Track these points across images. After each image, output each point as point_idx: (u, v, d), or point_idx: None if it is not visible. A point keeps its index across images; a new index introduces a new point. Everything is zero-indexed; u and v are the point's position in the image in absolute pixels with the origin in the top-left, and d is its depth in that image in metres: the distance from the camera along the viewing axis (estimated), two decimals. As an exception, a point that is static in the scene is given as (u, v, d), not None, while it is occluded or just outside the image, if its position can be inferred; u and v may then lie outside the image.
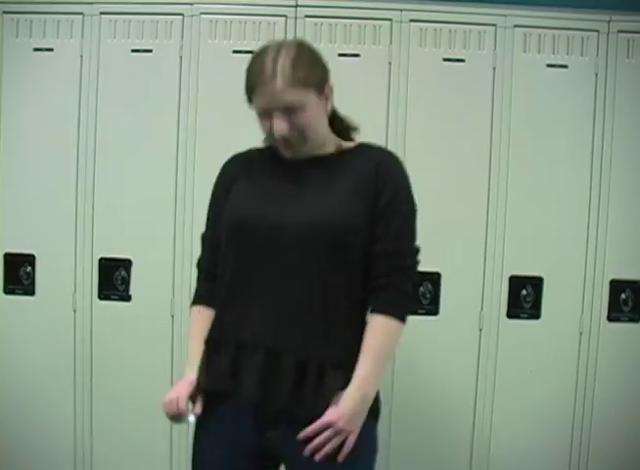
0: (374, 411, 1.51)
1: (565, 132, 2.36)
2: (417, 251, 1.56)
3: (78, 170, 2.38)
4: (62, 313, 2.40)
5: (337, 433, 1.42)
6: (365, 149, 1.60)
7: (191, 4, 2.36)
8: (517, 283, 2.36)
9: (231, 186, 1.61)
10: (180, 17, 2.36)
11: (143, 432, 2.41)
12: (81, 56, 2.36)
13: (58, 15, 2.36)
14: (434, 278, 2.35)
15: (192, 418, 1.52)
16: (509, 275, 2.36)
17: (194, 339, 1.60)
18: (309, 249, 1.46)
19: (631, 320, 2.39)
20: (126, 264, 2.40)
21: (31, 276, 2.41)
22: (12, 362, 2.42)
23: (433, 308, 2.36)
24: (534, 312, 2.38)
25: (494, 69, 2.34)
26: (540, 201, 2.36)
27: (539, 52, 2.35)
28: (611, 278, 2.37)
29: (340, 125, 1.64)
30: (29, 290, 2.41)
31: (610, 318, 2.38)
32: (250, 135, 2.31)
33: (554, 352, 2.38)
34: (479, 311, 2.37)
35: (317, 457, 1.42)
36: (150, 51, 2.37)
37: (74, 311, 2.41)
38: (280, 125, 1.48)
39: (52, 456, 2.44)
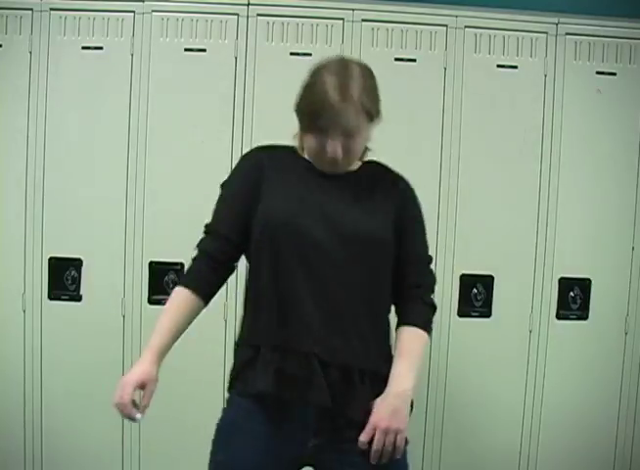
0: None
1: (514, 132, 2.39)
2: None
3: (27, 170, 2.35)
4: (12, 313, 2.38)
5: (384, 434, 1.43)
6: (377, 167, 1.64)
7: (142, 1, 2.34)
8: (467, 281, 2.38)
9: (260, 184, 1.54)
10: (131, 14, 2.34)
11: (94, 431, 2.39)
12: (30, 52, 2.33)
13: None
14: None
15: (138, 416, 1.44)
16: (460, 274, 2.39)
17: (165, 321, 1.50)
18: (354, 263, 1.47)
19: (580, 318, 2.43)
20: (77, 264, 2.38)
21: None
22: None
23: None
24: (485, 311, 2.40)
25: (445, 68, 2.36)
26: (490, 199, 2.39)
27: (490, 53, 2.38)
28: (559, 276, 2.41)
29: None
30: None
31: (558, 316, 2.41)
32: (200, 134, 2.34)
33: (504, 349, 2.41)
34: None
35: (383, 460, 1.44)
36: (100, 48, 2.34)
37: (24, 311, 2.38)
38: (336, 148, 1.48)
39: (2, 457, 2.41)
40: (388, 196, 1.57)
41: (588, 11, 2.42)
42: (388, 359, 1.51)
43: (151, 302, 2.38)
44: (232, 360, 1.55)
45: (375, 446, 1.43)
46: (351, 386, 1.46)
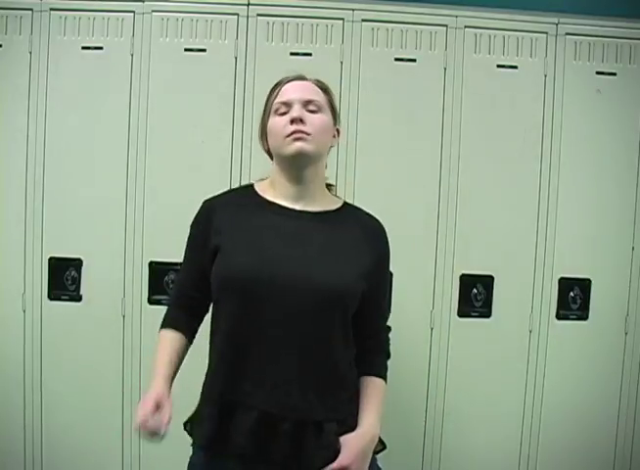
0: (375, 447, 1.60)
1: (514, 132, 2.38)
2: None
3: (27, 169, 2.35)
4: (12, 313, 2.37)
5: None
6: (354, 211, 1.66)
7: (142, 1, 2.34)
8: (467, 281, 2.38)
9: (216, 235, 1.56)
10: (131, 14, 2.34)
11: (94, 431, 2.39)
12: (30, 52, 2.33)
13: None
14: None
15: (162, 430, 1.47)
16: (459, 274, 2.38)
17: (162, 356, 1.60)
18: (315, 311, 1.49)
19: (580, 318, 2.42)
20: (77, 264, 2.37)
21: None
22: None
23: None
24: (485, 311, 2.40)
25: (445, 68, 2.36)
26: (490, 199, 2.39)
27: (489, 53, 2.37)
28: (559, 276, 2.41)
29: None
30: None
31: (558, 316, 2.41)
32: (200, 134, 2.34)
33: (504, 349, 2.41)
34: (430, 310, 2.39)
35: None
36: (100, 48, 2.34)
37: (24, 311, 2.37)
38: (298, 111, 1.55)
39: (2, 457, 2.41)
40: (363, 244, 1.58)
41: (588, 11, 2.42)
42: (347, 404, 1.55)
43: (151, 302, 2.38)
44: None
45: None
46: (308, 438, 1.49)
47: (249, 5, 2.34)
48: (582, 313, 2.42)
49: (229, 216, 1.58)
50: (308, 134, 1.53)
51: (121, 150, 2.35)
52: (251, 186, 1.66)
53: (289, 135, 1.53)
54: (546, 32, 2.37)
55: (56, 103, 2.34)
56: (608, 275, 2.43)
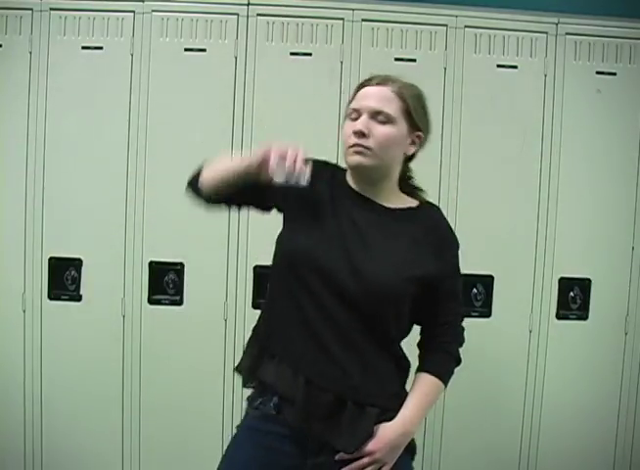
0: (411, 447, 1.56)
1: (514, 132, 2.38)
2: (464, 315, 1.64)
3: (27, 169, 2.35)
4: (12, 313, 2.38)
5: (374, 462, 1.47)
6: (428, 209, 1.61)
7: (142, 1, 2.34)
8: (467, 282, 2.37)
9: (315, 203, 1.54)
10: (131, 14, 2.34)
11: (94, 431, 2.39)
12: (30, 52, 2.33)
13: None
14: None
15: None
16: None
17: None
18: (364, 304, 1.47)
19: (580, 318, 2.42)
20: (77, 264, 2.37)
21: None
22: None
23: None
24: (485, 311, 2.40)
25: (445, 68, 2.36)
26: (490, 199, 2.39)
27: (489, 53, 2.38)
28: (559, 276, 2.41)
29: (406, 184, 1.63)
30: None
31: (558, 316, 2.41)
32: (201, 134, 2.34)
33: (504, 349, 2.41)
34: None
35: None
36: (100, 48, 2.35)
37: (24, 311, 2.38)
38: (362, 123, 1.49)
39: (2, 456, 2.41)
40: (429, 246, 1.53)
41: (588, 11, 2.42)
42: (391, 398, 1.52)
43: (151, 302, 2.38)
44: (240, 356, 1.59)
45: (356, 465, 1.46)
46: (345, 417, 1.47)
47: (249, 5, 2.34)
48: (582, 313, 2.43)
49: (329, 193, 1.56)
50: (369, 149, 1.50)
51: (121, 150, 2.35)
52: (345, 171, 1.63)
53: (351, 146, 1.51)
54: (546, 32, 2.37)
55: (56, 103, 2.34)
56: (608, 275, 2.43)
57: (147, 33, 2.34)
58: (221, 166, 1.55)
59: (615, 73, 2.39)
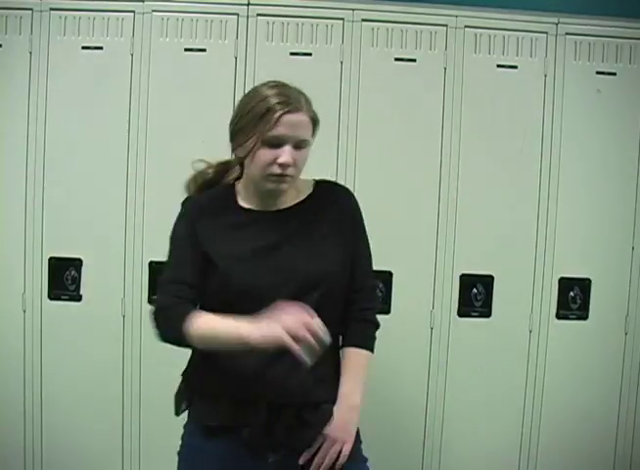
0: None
1: (514, 132, 2.38)
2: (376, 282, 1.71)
3: (27, 169, 2.35)
4: (12, 313, 2.37)
5: (332, 443, 1.53)
6: (325, 190, 1.65)
7: (142, 1, 2.34)
8: (467, 281, 2.38)
9: (203, 241, 1.58)
10: (131, 14, 2.34)
11: (94, 431, 2.39)
12: (30, 52, 2.33)
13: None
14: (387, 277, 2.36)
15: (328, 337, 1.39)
16: (459, 274, 2.38)
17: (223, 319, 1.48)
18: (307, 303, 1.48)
19: (580, 318, 2.42)
20: (77, 264, 2.37)
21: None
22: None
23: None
24: (485, 311, 2.40)
25: (445, 68, 2.36)
26: (490, 199, 2.39)
27: (489, 53, 2.37)
28: (559, 276, 2.41)
29: None
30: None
31: (558, 316, 2.41)
32: (201, 134, 2.34)
33: (504, 349, 2.41)
34: (430, 310, 2.39)
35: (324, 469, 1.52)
36: (100, 48, 2.34)
37: (24, 311, 2.37)
38: (288, 156, 1.50)
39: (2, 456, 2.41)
40: (337, 224, 1.59)
41: (588, 11, 2.42)
42: (335, 384, 1.58)
43: (151, 302, 2.37)
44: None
45: (320, 453, 1.52)
46: (306, 419, 1.52)
47: (249, 5, 2.34)
48: (582, 313, 2.42)
49: (210, 227, 1.59)
50: (291, 176, 1.53)
51: (121, 150, 2.35)
52: (232, 188, 1.65)
53: (272, 175, 1.52)
54: (546, 32, 2.37)
55: (56, 103, 2.34)
56: (608, 275, 2.43)
57: (147, 33, 2.34)
58: (221, 338, 1.46)
59: (615, 73, 2.39)
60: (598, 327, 2.43)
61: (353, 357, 1.61)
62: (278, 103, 1.50)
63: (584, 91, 2.39)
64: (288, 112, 1.49)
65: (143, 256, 2.36)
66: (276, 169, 1.51)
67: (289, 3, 2.35)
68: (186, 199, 1.69)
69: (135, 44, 2.33)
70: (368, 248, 1.66)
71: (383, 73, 2.36)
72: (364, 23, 2.35)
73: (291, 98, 1.52)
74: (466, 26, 2.36)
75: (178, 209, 2.33)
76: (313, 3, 2.35)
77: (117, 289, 2.37)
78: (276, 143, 1.50)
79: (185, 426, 1.65)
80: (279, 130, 1.49)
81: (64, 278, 2.37)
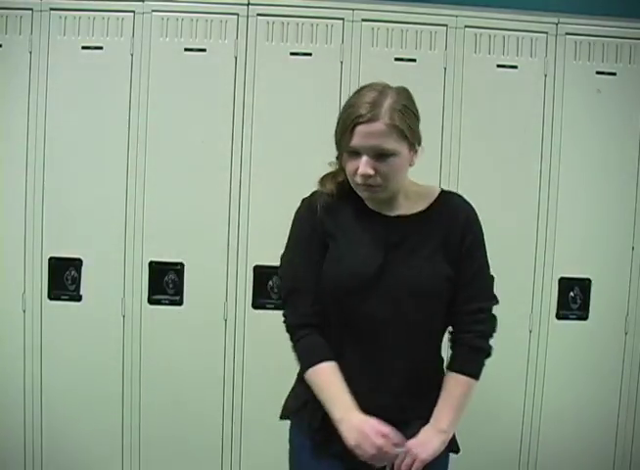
0: (453, 444, 1.61)
1: (514, 132, 2.38)
2: (493, 304, 1.63)
3: (27, 169, 2.35)
4: (12, 313, 2.37)
5: (413, 459, 1.49)
6: (449, 200, 1.62)
7: (142, 1, 2.34)
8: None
9: (325, 238, 1.56)
10: (131, 14, 2.34)
11: (94, 431, 2.40)
12: (30, 52, 2.33)
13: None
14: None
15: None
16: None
17: (334, 383, 1.52)
18: (417, 315, 1.51)
19: (580, 318, 2.42)
20: (77, 264, 2.37)
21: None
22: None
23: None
24: (485, 311, 2.40)
25: (445, 68, 2.36)
26: (490, 199, 2.38)
27: (489, 53, 2.37)
28: (559, 276, 2.41)
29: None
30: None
31: (558, 316, 2.41)
32: (201, 134, 2.35)
33: (504, 349, 2.40)
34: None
35: None
36: (100, 48, 2.34)
37: (24, 311, 2.37)
38: (365, 166, 1.47)
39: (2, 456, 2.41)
40: (448, 235, 1.56)
41: (588, 11, 2.42)
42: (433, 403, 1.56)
43: (151, 302, 2.38)
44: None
45: (396, 464, 1.49)
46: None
47: (249, 5, 2.34)
48: (582, 313, 2.43)
49: (334, 223, 1.57)
50: (379, 185, 1.50)
51: (121, 149, 2.35)
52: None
53: (358, 184, 1.51)
54: (546, 32, 2.37)
55: (56, 103, 2.34)
56: (608, 275, 2.43)
57: (147, 33, 2.34)
58: (321, 399, 1.53)
59: (615, 73, 2.39)
60: (598, 327, 2.43)
61: (452, 382, 1.57)
62: (354, 112, 1.46)
63: (584, 91, 2.39)
64: (360, 122, 1.45)
65: (143, 256, 2.36)
66: (358, 179, 1.49)
67: (289, 3, 2.35)
68: (313, 193, 1.64)
69: (135, 44, 2.34)
70: (486, 266, 1.63)
71: (383, 73, 2.27)
72: (364, 22, 2.35)
73: (369, 106, 1.45)
74: (466, 26, 2.36)
75: (178, 208, 2.37)
76: (313, 3, 2.35)
77: (117, 289, 2.37)
78: (354, 153, 1.48)
79: (291, 431, 1.65)
80: (354, 141, 1.47)
81: (64, 278, 2.38)
